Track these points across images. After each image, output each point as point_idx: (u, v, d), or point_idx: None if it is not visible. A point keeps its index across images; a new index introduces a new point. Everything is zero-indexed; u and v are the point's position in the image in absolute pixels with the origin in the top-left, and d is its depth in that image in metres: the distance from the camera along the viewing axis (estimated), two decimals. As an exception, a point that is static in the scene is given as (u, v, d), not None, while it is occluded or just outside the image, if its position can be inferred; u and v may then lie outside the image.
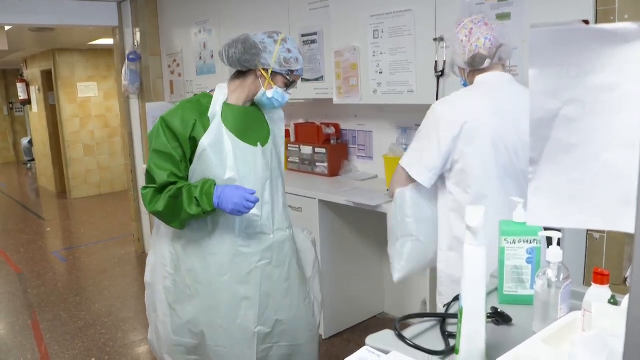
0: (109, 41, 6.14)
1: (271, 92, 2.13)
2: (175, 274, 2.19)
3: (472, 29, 2.00)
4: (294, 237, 2.35)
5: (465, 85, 2.14)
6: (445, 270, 2.12)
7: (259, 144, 2.17)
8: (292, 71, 2.13)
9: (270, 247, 2.19)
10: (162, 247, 2.23)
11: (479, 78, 2.04)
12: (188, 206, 2.00)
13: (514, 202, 1.97)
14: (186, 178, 2.08)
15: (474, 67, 2.02)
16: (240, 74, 2.16)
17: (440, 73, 2.79)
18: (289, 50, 2.10)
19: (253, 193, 2.01)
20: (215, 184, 2.02)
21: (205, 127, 2.06)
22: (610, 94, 0.64)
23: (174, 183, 2.04)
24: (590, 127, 0.65)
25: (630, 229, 0.67)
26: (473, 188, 1.97)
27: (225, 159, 2.07)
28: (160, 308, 2.25)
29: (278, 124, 2.31)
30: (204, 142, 2.03)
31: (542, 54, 0.66)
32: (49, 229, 7.12)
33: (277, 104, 2.17)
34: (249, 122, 2.18)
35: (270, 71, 2.10)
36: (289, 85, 2.16)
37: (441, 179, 2.06)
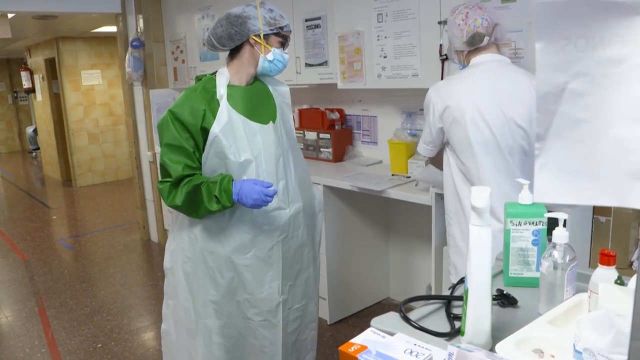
0: (112, 28, 6.14)
1: (271, 55, 2.14)
2: (195, 258, 2.21)
3: (467, 12, 2.17)
4: (312, 201, 2.40)
5: (463, 67, 2.27)
6: (451, 233, 2.34)
7: (270, 122, 2.18)
8: (281, 28, 2.16)
9: (288, 220, 2.23)
10: (181, 232, 2.25)
11: (473, 60, 2.20)
12: (208, 203, 2.03)
13: (499, 179, 2.05)
14: (200, 167, 2.10)
15: (474, 45, 2.17)
16: (234, 54, 2.17)
17: (444, 56, 2.77)
18: (271, 10, 2.16)
19: (270, 186, 2.03)
20: (232, 180, 2.04)
21: (215, 113, 2.06)
22: (620, 66, 0.62)
23: (190, 175, 2.06)
24: (599, 100, 0.64)
25: (639, 205, 0.66)
26: (463, 162, 2.18)
27: (238, 141, 2.08)
28: (182, 293, 2.26)
29: (283, 96, 2.32)
30: (215, 128, 2.04)
31: (549, 27, 0.65)
32: (54, 217, 7.14)
33: (280, 65, 2.19)
34: (256, 100, 2.19)
35: (262, 35, 2.11)
36: (283, 44, 2.19)
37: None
